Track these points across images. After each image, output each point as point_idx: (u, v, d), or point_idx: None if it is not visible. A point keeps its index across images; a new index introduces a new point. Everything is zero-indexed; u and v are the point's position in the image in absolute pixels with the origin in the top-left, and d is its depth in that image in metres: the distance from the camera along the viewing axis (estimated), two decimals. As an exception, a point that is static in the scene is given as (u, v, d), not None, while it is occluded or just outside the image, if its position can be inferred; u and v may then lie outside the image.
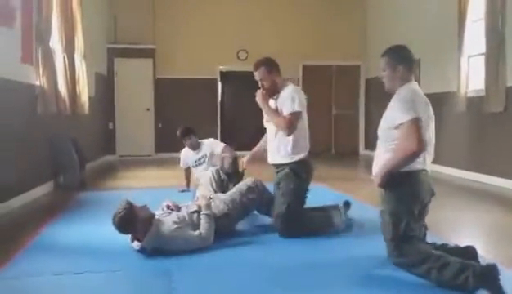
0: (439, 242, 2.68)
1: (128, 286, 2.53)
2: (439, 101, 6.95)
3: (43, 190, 5.29)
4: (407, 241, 2.47)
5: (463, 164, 6.45)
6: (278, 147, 3.36)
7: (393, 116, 2.51)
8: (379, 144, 2.67)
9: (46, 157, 5.52)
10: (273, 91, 3.39)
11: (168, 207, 3.33)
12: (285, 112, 3.26)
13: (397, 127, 2.48)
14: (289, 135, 3.27)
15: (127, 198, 2.99)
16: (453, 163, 6.53)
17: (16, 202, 4.50)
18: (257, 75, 3.41)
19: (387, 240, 2.55)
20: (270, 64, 3.40)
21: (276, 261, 2.83)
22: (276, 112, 3.34)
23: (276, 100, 3.40)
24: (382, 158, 2.58)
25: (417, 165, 2.50)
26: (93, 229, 3.59)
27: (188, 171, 5.15)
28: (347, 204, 3.65)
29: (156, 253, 2.90)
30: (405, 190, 2.51)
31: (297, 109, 3.26)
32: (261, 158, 3.72)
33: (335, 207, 3.57)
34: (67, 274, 2.64)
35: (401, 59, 2.65)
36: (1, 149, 4.25)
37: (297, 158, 3.33)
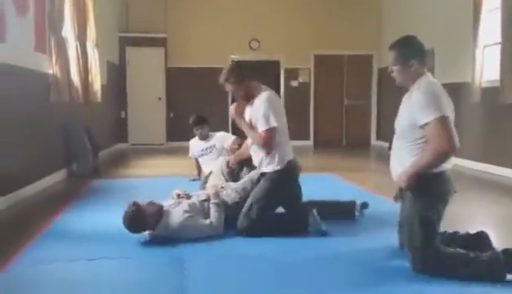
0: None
1: (140, 272, 2.56)
2: (453, 92, 6.82)
3: (57, 178, 5.36)
4: (435, 246, 2.37)
5: (476, 155, 6.38)
6: (259, 157, 3.22)
7: (416, 113, 2.36)
8: (398, 140, 2.53)
9: (59, 145, 5.58)
10: (249, 97, 3.22)
11: (179, 195, 3.36)
12: (260, 128, 3.10)
13: (421, 127, 2.34)
14: (267, 153, 3.12)
15: (133, 200, 3.02)
16: (466, 155, 6.46)
17: (30, 189, 4.57)
18: (227, 88, 3.26)
19: (413, 248, 2.40)
20: (236, 74, 3.20)
21: (286, 251, 2.83)
22: (252, 126, 3.18)
23: (251, 106, 3.22)
24: (404, 158, 2.45)
25: (445, 164, 2.40)
26: (106, 217, 3.63)
27: (198, 160, 5.17)
28: (365, 205, 3.56)
29: (168, 241, 2.94)
30: (435, 193, 2.40)
31: (272, 124, 3.05)
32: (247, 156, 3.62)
33: (349, 204, 3.50)
34: (81, 261, 2.68)
35: (413, 52, 2.49)
36: (15, 137, 4.30)
37: (280, 166, 3.16)
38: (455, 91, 6.63)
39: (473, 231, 2.67)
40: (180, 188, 3.50)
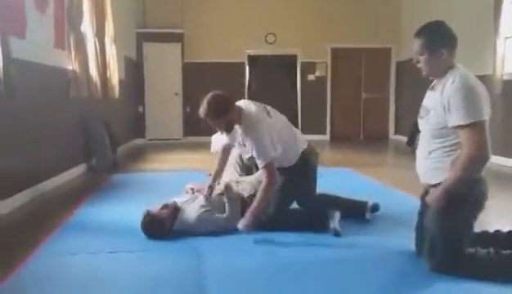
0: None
1: (159, 265, 2.58)
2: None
3: (77, 172, 5.45)
4: (457, 255, 2.22)
5: (497, 149, 6.25)
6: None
7: (449, 112, 2.12)
8: (428, 140, 2.30)
9: (78, 140, 5.66)
10: (231, 128, 3.09)
11: (193, 190, 3.38)
12: (259, 165, 2.98)
13: (454, 128, 2.13)
14: (275, 181, 2.99)
15: (146, 209, 3.05)
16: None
17: (51, 183, 4.65)
18: (210, 123, 3.09)
19: (434, 257, 2.24)
20: (214, 110, 2.95)
21: (303, 247, 2.83)
22: (255, 205, 2.96)
23: (242, 134, 3.06)
24: (436, 160, 2.26)
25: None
26: (125, 210, 3.68)
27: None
28: (376, 207, 3.41)
29: (185, 235, 2.97)
30: (471, 202, 2.20)
31: (267, 160, 2.92)
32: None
33: (361, 204, 3.39)
34: (100, 254, 2.73)
35: (443, 39, 2.21)
36: (35, 133, 4.38)
37: (294, 160, 3.14)
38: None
39: (504, 229, 2.56)
40: (194, 182, 3.51)
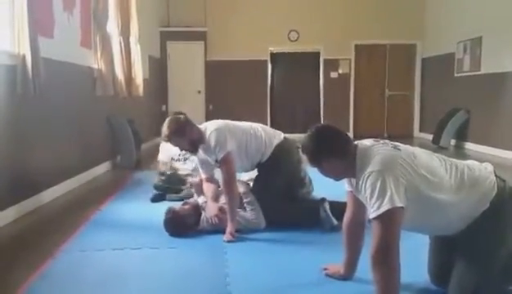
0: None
1: (183, 261, 2.62)
2: (500, 81, 6.58)
3: (102, 169, 5.55)
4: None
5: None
6: (249, 164, 3.28)
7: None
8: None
9: (104, 137, 5.76)
10: (196, 147, 3.12)
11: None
12: (219, 157, 3.05)
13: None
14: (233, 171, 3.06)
15: (169, 206, 3.10)
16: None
17: (78, 180, 4.75)
18: (174, 145, 3.17)
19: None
20: (178, 130, 3.02)
21: (329, 246, 2.80)
22: (228, 209, 3.00)
23: (204, 150, 3.12)
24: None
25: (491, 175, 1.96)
26: (149, 208, 3.75)
27: None
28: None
29: (210, 232, 3.00)
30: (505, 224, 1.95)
31: (225, 151, 3.02)
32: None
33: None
34: (126, 250, 2.78)
35: (326, 151, 1.97)
36: (63, 130, 4.47)
37: (268, 153, 3.21)
38: (503, 80, 6.34)
39: None
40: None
